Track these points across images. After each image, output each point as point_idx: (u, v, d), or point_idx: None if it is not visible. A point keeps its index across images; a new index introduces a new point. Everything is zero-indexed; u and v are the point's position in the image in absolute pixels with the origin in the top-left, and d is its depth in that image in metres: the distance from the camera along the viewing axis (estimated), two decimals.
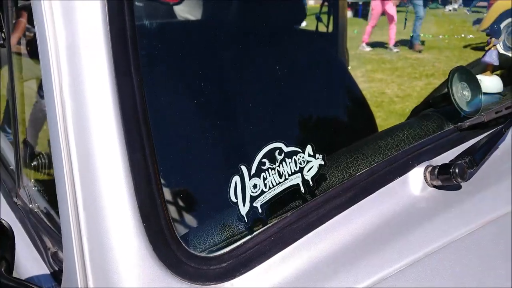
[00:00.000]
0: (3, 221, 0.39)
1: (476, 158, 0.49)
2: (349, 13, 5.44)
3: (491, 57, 0.71)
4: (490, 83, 0.71)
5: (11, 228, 0.37)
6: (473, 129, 0.56)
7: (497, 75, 0.87)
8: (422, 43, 5.22)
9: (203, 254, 0.38)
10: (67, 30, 0.36)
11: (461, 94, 0.61)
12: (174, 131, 0.50)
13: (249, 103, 0.63)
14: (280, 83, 0.74)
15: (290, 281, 0.37)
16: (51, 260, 0.47)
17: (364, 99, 1.08)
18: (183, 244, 0.37)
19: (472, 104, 0.61)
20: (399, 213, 0.46)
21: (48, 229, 0.53)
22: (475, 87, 0.62)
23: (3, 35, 0.57)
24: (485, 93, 0.73)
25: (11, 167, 0.73)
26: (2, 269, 0.34)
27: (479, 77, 0.73)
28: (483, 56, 0.73)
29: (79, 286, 0.35)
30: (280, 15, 0.87)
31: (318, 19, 1.68)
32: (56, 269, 0.42)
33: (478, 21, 4.14)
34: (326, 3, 1.72)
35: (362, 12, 7.08)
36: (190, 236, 0.39)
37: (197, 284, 0.36)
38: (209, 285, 0.36)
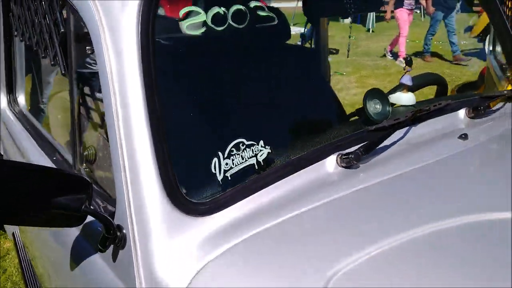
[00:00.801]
0: (83, 177, 0.68)
1: (368, 149, 0.77)
2: (348, 19, 5.67)
3: (406, 80, 0.99)
4: (405, 98, 0.99)
5: (87, 180, 0.66)
6: (378, 131, 0.84)
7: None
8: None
9: (197, 201, 0.67)
10: (117, 64, 0.65)
11: (373, 107, 0.89)
12: (180, 125, 0.79)
13: (231, 109, 0.93)
14: (263, 90, 1.03)
15: (243, 215, 0.67)
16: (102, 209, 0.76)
17: (337, 103, 1.34)
18: (186, 197, 0.66)
19: (380, 114, 0.89)
20: (318, 181, 0.75)
21: (101, 192, 0.82)
22: (385, 102, 0.91)
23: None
24: (402, 105, 1.02)
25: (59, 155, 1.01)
26: (86, 203, 0.63)
27: (398, 94, 1.02)
28: (400, 78, 1.01)
29: (127, 215, 0.64)
30: (272, 33, 1.14)
31: (302, 37, 1.98)
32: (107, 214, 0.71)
33: (469, 29, 4.60)
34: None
35: (360, 18, 7.30)
36: (189, 191, 0.68)
37: (194, 217, 0.65)
38: (201, 217, 0.65)
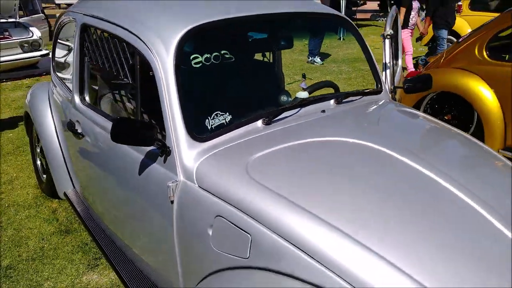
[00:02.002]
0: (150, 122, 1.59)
1: (274, 116, 1.70)
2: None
3: (302, 85, 1.93)
4: (302, 94, 1.93)
5: (153, 124, 1.56)
6: (284, 109, 1.77)
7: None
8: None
9: (200, 136, 1.58)
10: (164, 76, 1.56)
11: (283, 98, 1.83)
12: (192, 104, 1.68)
13: (221, 92, 1.85)
14: (239, 85, 1.95)
15: (220, 143, 1.58)
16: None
17: (270, 96, 2.28)
18: (195, 134, 1.57)
19: (286, 101, 1.83)
20: (254, 130, 1.67)
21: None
22: (289, 96, 1.84)
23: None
24: (300, 98, 1.97)
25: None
26: (155, 134, 1.52)
27: (299, 92, 1.97)
28: (300, 84, 1.95)
29: (171, 140, 1.54)
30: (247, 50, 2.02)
31: (263, 54, 2.92)
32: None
33: (420, 38, 6.08)
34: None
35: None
36: (197, 132, 1.58)
37: (199, 142, 1.55)
38: (202, 142, 1.56)
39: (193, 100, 1.64)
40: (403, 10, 5.95)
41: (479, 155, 1.76)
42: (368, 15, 14.37)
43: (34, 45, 6.87)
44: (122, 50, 1.85)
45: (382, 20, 13.47)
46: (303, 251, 1.21)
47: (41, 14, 8.36)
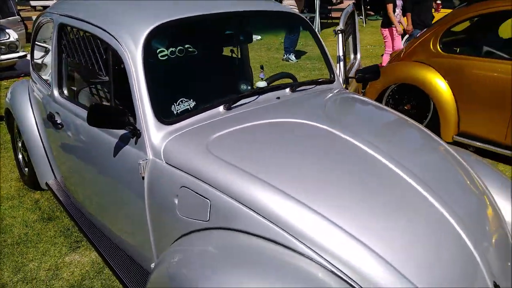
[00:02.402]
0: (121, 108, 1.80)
1: (233, 102, 1.93)
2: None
3: (261, 75, 2.16)
4: (261, 84, 2.16)
5: (124, 109, 1.76)
6: (243, 96, 2.00)
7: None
8: None
9: (166, 120, 1.79)
10: (133, 65, 1.78)
11: (242, 87, 2.07)
12: (160, 91, 1.89)
13: (185, 81, 2.07)
14: (203, 75, 2.17)
15: (184, 126, 1.80)
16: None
17: (233, 85, 2.51)
18: (162, 118, 1.78)
19: (245, 90, 2.06)
20: (216, 114, 1.89)
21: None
22: (247, 85, 2.08)
23: None
24: (258, 87, 2.20)
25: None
26: (126, 118, 1.72)
27: (258, 82, 2.20)
28: (259, 75, 2.18)
29: (141, 123, 1.75)
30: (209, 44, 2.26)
31: (232, 51, 3.15)
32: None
33: (405, 35, 6.38)
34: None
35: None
36: (164, 116, 1.79)
37: (165, 125, 1.77)
38: (168, 125, 1.78)
39: (160, 88, 1.85)
40: (390, 6, 6.00)
41: (409, 132, 2.02)
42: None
43: (11, 47, 6.93)
44: (97, 46, 2.05)
45: (358, 18, 13.84)
46: (253, 210, 1.44)
47: (17, 17, 8.39)
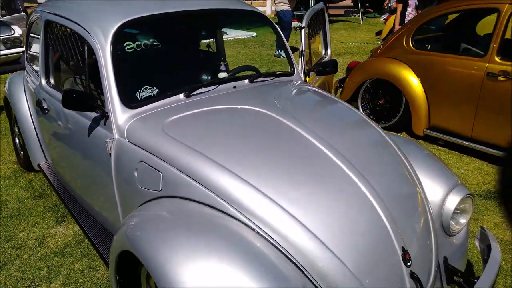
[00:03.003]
0: (92, 93, 2.07)
1: (193, 90, 2.19)
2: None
3: (222, 67, 2.41)
4: (221, 74, 2.42)
5: (94, 94, 2.03)
6: (203, 85, 2.26)
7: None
8: None
9: (131, 104, 2.06)
10: (103, 57, 2.05)
11: (203, 76, 2.33)
12: (127, 80, 2.17)
13: (149, 71, 2.34)
14: (166, 66, 2.44)
15: (146, 110, 2.07)
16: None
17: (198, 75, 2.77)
18: (128, 103, 2.05)
19: (206, 80, 2.33)
20: (177, 100, 2.16)
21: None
22: (208, 76, 2.34)
23: None
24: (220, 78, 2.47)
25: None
26: (96, 101, 1.99)
27: (220, 73, 2.46)
28: (220, 67, 2.44)
29: (109, 106, 2.03)
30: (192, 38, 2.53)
31: (208, 46, 3.40)
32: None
33: (379, 33, 6.95)
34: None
35: None
36: (129, 101, 2.07)
37: (130, 109, 2.04)
38: (132, 109, 2.05)
39: (126, 77, 2.12)
40: (399, 6, 6.19)
41: (345, 117, 2.26)
42: (342, 11, 14.92)
43: (15, 42, 7.28)
44: (75, 40, 2.33)
45: (355, 15, 14.04)
46: (196, 181, 1.70)
47: (23, 13, 8.74)
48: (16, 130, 3.58)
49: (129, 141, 1.97)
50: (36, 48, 3.31)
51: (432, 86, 4.09)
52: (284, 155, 1.79)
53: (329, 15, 13.53)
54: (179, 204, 1.75)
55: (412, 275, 1.56)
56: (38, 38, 3.30)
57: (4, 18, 7.78)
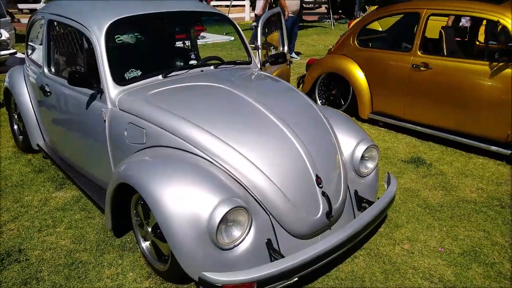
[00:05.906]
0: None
1: (169, 72, 2.83)
2: None
3: (192, 57, 3.06)
4: (192, 62, 3.07)
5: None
6: (176, 69, 2.91)
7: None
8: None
9: (122, 83, 2.69)
10: (99, 47, 2.68)
11: (177, 63, 2.98)
12: (119, 64, 2.79)
13: (135, 58, 2.98)
14: (148, 55, 3.08)
15: (134, 86, 2.70)
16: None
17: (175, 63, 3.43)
18: (120, 82, 2.68)
19: (179, 65, 2.98)
20: (156, 80, 2.80)
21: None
22: (181, 62, 2.99)
23: None
24: (191, 64, 3.13)
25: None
26: (94, 80, 2.60)
27: (191, 61, 3.12)
28: (191, 56, 3.09)
29: (104, 85, 2.65)
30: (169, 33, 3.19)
31: (184, 43, 4.05)
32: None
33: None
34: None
35: None
36: (120, 81, 2.69)
37: (121, 86, 2.67)
38: (122, 86, 2.68)
39: (116, 62, 2.75)
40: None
41: (285, 92, 2.93)
42: (316, 17, 15.87)
43: (3, 45, 7.75)
44: (74, 34, 2.95)
45: (328, 21, 14.98)
46: (171, 133, 2.34)
47: (8, 18, 9.18)
48: (16, 116, 4.13)
49: (119, 109, 2.60)
50: (35, 43, 3.90)
51: (373, 78, 4.85)
52: (235, 114, 2.46)
53: (304, 21, 14.44)
54: (159, 151, 2.39)
55: (324, 194, 2.24)
56: (38, 35, 3.89)
57: None
